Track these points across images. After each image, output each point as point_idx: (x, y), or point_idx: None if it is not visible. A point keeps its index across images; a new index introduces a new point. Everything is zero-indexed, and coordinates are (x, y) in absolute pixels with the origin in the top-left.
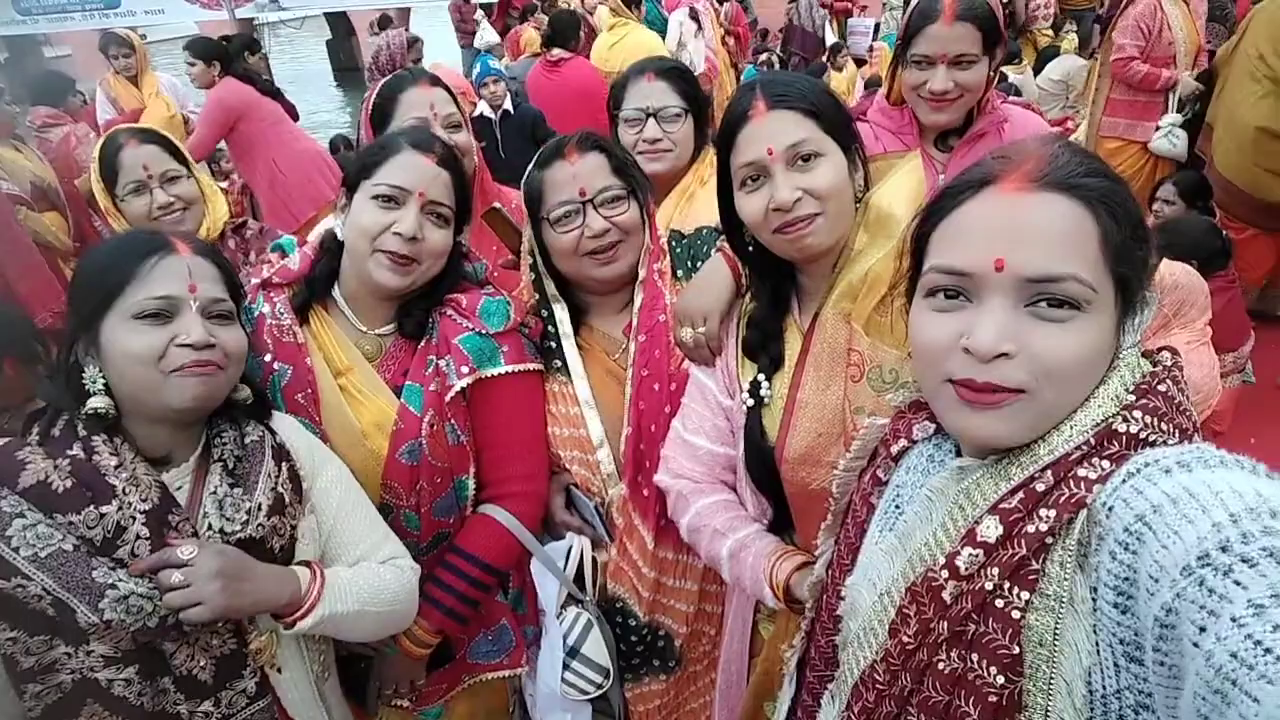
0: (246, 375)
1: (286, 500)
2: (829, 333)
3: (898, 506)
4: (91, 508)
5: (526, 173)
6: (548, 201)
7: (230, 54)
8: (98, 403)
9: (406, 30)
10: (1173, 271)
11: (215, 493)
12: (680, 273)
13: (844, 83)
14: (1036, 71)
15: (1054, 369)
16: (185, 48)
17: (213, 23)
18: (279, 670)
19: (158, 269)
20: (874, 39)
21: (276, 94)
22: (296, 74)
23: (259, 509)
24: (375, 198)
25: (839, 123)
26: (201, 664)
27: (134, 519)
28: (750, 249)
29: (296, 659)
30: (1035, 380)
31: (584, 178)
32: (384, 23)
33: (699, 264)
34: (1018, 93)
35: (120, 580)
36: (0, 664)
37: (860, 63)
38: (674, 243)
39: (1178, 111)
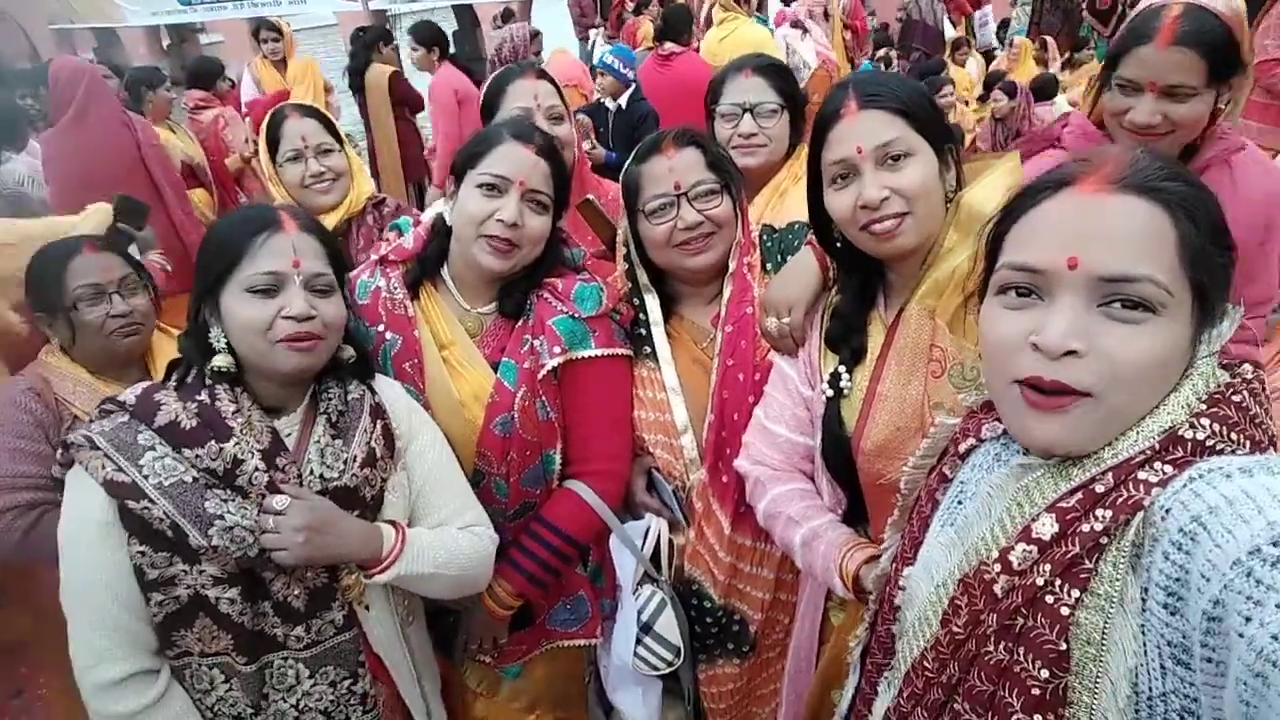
0: (354, 338)
1: (378, 454)
2: (913, 328)
3: (960, 503)
4: (214, 442)
5: (625, 167)
6: (644, 194)
7: (443, 41)
8: (220, 361)
9: (528, 23)
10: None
11: (319, 442)
12: (770, 266)
13: (965, 78)
14: None
15: (1123, 370)
16: (409, 31)
17: (350, 14)
18: (366, 608)
19: (266, 245)
20: (1002, 31)
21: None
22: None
23: (354, 460)
24: (480, 186)
25: (931, 123)
26: (296, 593)
27: (251, 454)
28: (838, 244)
29: (382, 601)
30: (1103, 382)
31: (679, 172)
32: (507, 16)
33: (789, 258)
34: None
35: (228, 513)
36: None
37: (989, 56)
38: (765, 237)
39: None
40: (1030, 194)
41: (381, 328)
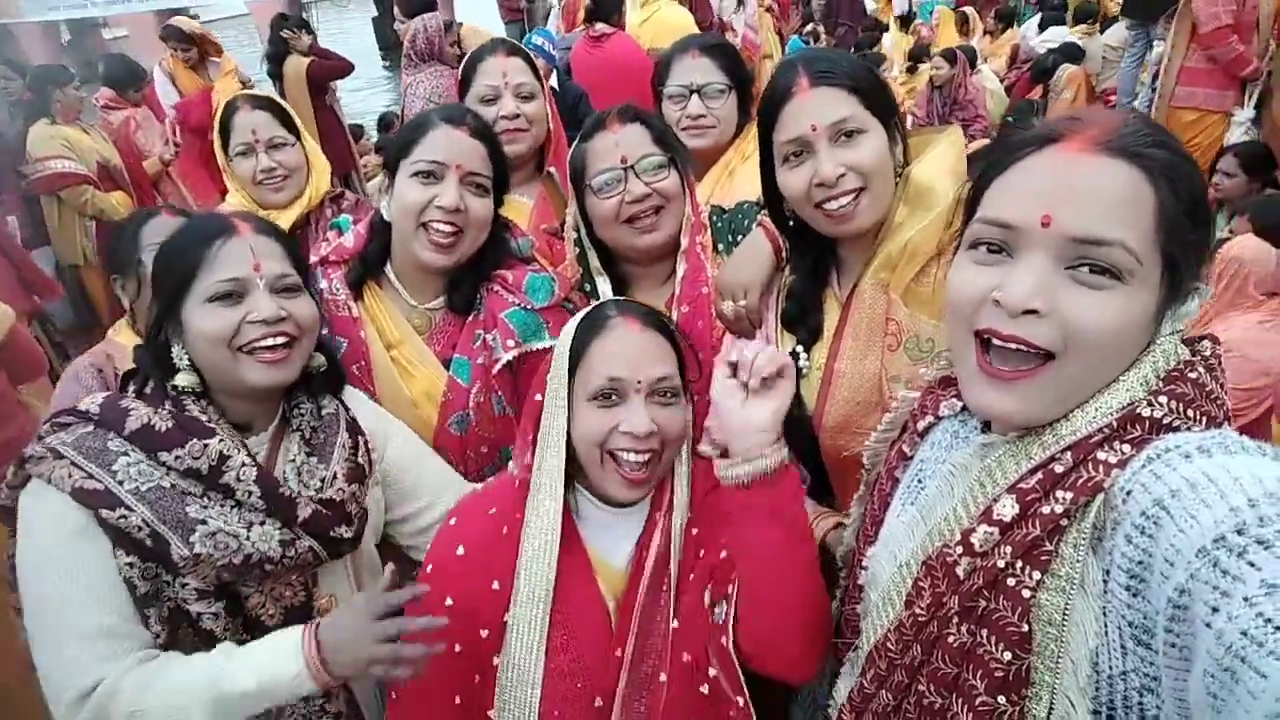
0: (321, 344)
1: (365, 471)
2: (867, 303)
3: (920, 481)
4: (195, 440)
5: (572, 147)
6: (591, 170)
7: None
8: (184, 379)
9: (444, 13)
10: (1243, 245)
11: (294, 460)
12: (721, 246)
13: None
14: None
15: (1083, 335)
16: (395, 4)
17: (265, 3)
18: None
19: (223, 252)
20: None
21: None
22: (343, 52)
23: (334, 477)
24: (415, 174)
25: (880, 99)
26: (271, 611)
27: (237, 450)
28: (791, 223)
29: None
30: (1063, 343)
31: (625, 146)
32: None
33: (739, 238)
34: (1081, 56)
35: (210, 517)
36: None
37: (907, 23)
38: (715, 217)
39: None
40: (1014, 149)
41: (325, 331)
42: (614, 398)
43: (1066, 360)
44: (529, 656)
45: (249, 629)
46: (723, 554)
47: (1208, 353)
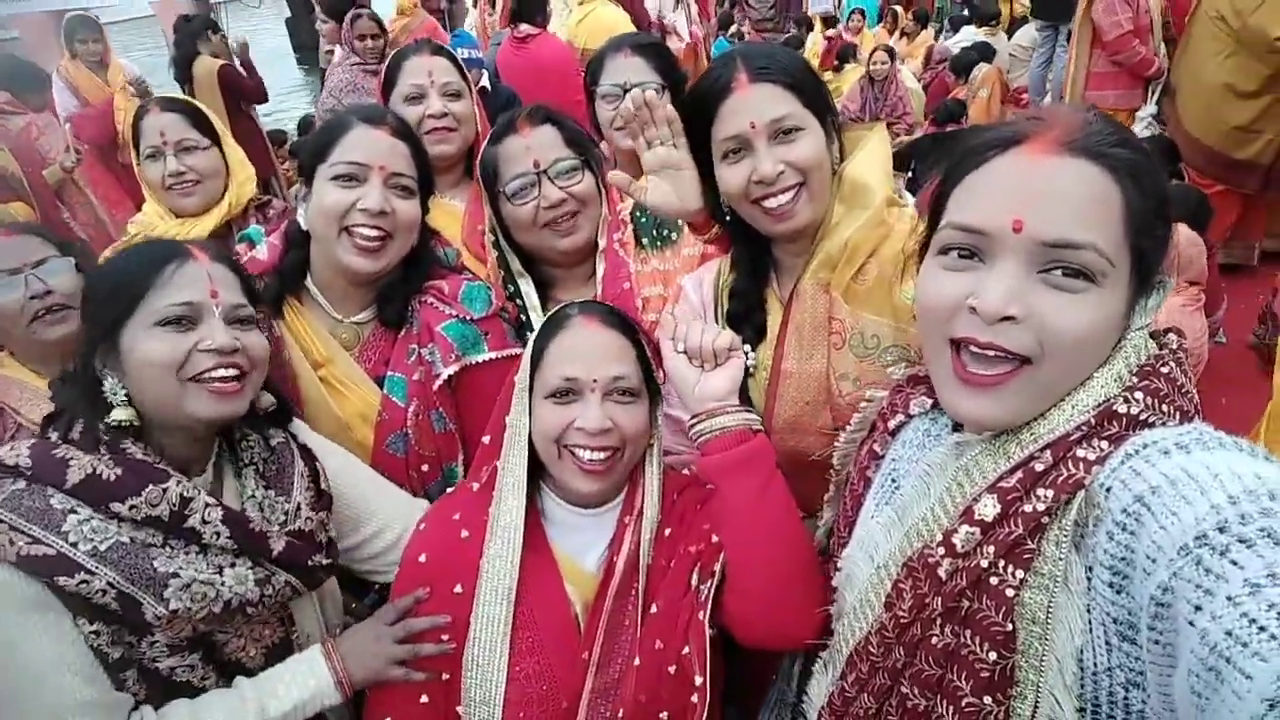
0: (268, 382)
1: (330, 498)
2: (808, 303)
3: (894, 481)
4: (151, 485)
5: (481, 150)
6: (503, 175)
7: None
8: (121, 415)
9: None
10: (1178, 233)
11: (254, 496)
12: (645, 241)
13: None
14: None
15: (1060, 340)
16: (317, 2)
17: (166, 5)
18: None
19: (178, 276)
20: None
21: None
22: (257, 53)
23: (298, 509)
24: (335, 178)
25: (817, 96)
26: (251, 653)
27: (198, 491)
28: (727, 219)
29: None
30: (1040, 348)
31: (537, 150)
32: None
33: (665, 232)
34: (991, 55)
35: (181, 569)
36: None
37: (830, 23)
38: (638, 213)
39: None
40: (978, 150)
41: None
42: (570, 395)
43: (1043, 364)
44: (492, 656)
45: (232, 669)
46: (714, 538)
47: (1174, 345)
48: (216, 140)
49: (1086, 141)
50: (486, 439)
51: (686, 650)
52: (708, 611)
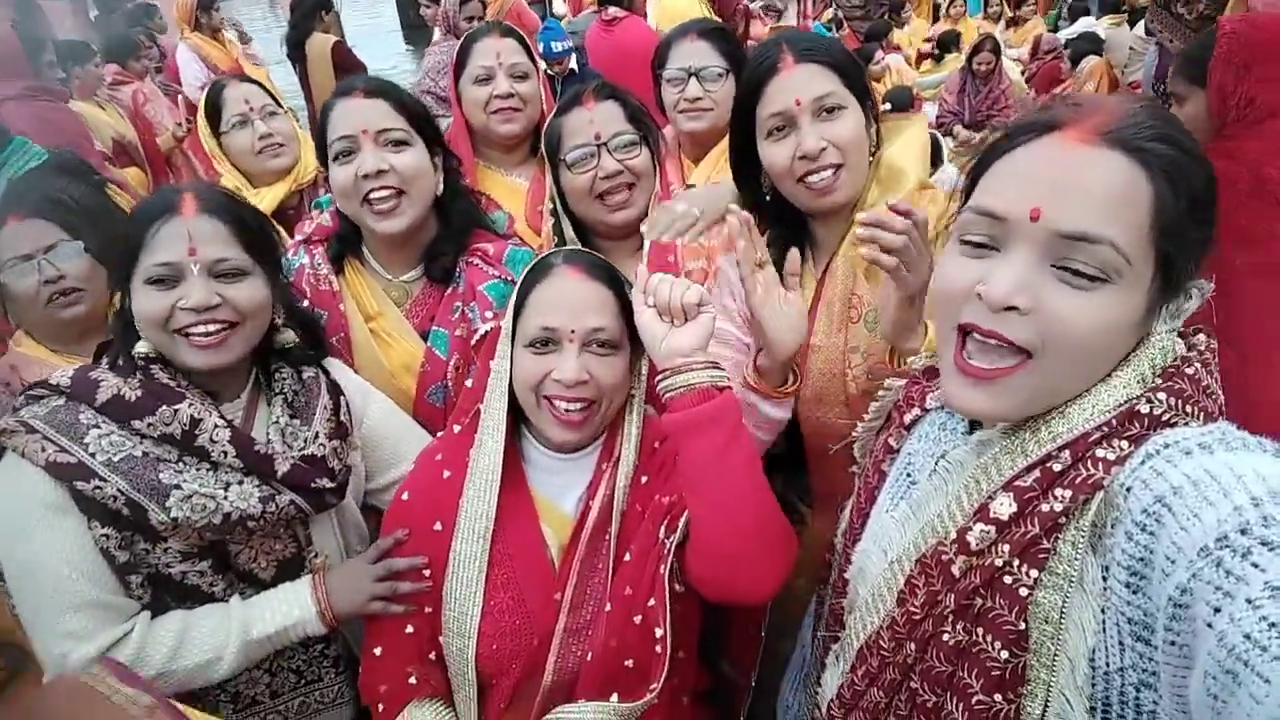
0: (301, 317)
1: (348, 429)
2: (840, 279)
3: (909, 475)
4: (165, 406)
5: (548, 121)
6: (565, 145)
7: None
8: (143, 347)
9: None
10: None
11: (278, 422)
12: None
13: (906, 39)
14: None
15: (1062, 337)
16: None
17: None
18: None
19: (160, 235)
20: None
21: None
22: (368, 31)
23: (315, 436)
24: (337, 157)
25: (858, 79)
26: (263, 564)
27: (209, 413)
28: (768, 198)
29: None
30: (1042, 342)
31: (599, 123)
32: None
33: None
34: (1100, 47)
35: (184, 481)
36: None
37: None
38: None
39: None
40: (1014, 134)
41: (307, 303)
42: (549, 345)
43: (1043, 360)
44: (468, 590)
45: (244, 581)
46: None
47: (1203, 346)
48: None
49: (1123, 133)
50: (470, 382)
51: (651, 602)
52: (669, 565)
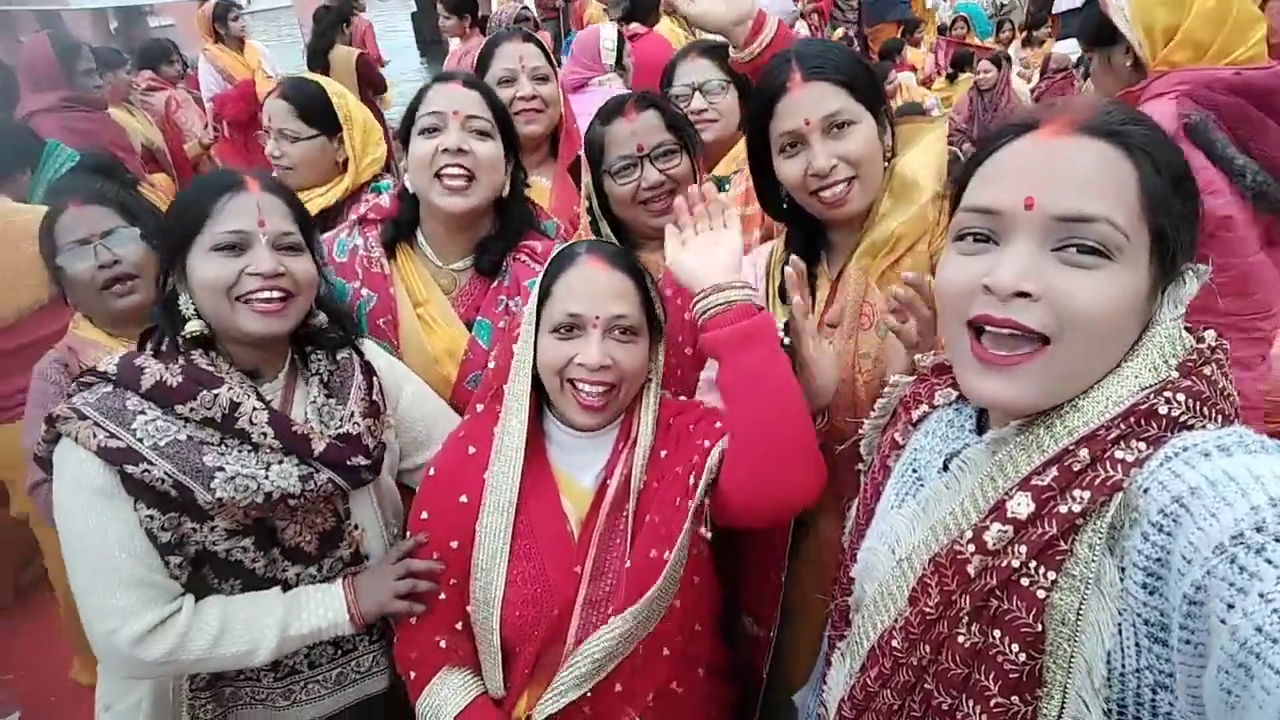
0: (327, 304)
1: (380, 407)
2: (852, 286)
3: (914, 472)
4: (205, 391)
5: (589, 127)
6: (609, 155)
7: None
8: (193, 326)
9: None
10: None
11: (315, 402)
12: None
13: (919, 58)
14: None
15: (1078, 315)
16: (440, 1)
17: None
18: (365, 557)
19: (229, 206)
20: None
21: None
22: (383, 47)
23: (350, 415)
24: (422, 132)
25: (868, 89)
26: (307, 538)
27: (247, 395)
28: (785, 205)
29: (378, 538)
30: (1058, 325)
31: (641, 134)
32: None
33: (724, 187)
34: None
35: (228, 463)
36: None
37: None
38: (721, 186)
39: None
40: (994, 138)
41: (358, 284)
42: (573, 331)
43: (1063, 343)
44: (494, 561)
45: (288, 557)
46: (705, 444)
47: (1214, 344)
48: (325, 130)
49: (1096, 122)
50: (492, 364)
51: (668, 554)
52: (695, 501)
